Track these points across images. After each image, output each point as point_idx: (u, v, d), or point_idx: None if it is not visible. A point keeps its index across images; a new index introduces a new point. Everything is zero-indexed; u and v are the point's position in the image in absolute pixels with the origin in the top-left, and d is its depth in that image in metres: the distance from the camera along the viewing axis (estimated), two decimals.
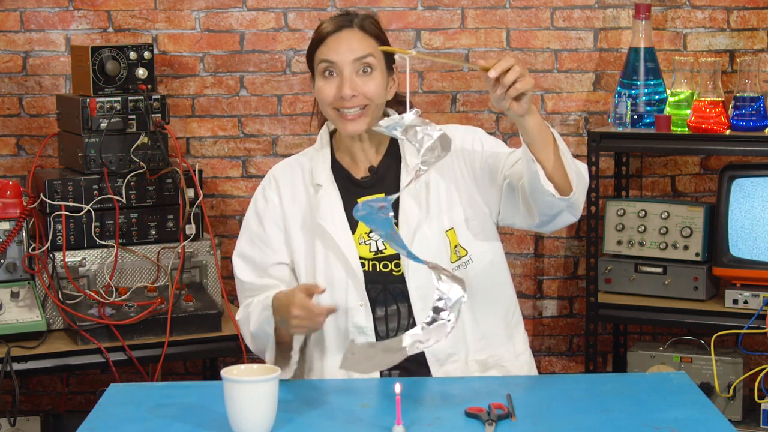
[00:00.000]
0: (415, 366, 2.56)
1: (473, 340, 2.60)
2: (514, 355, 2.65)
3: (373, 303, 2.57)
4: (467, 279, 2.58)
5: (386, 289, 2.57)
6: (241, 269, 2.68)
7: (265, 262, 2.66)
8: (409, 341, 2.22)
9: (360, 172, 2.65)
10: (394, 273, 2.57)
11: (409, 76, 2.26)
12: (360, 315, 2.56)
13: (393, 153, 2.64)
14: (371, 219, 2.16)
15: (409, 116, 2.21)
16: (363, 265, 2.57)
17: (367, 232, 2.59)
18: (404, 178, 2.60)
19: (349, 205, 2.61)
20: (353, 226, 2.60)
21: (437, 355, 2.56)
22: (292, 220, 2.65)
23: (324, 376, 2.60)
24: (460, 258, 2.58)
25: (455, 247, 2.58)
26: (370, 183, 2.62)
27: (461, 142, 2.62)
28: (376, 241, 2.59)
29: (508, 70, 2.25)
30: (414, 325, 2.53)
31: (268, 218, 2.67)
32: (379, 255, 2.58)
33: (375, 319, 2.57)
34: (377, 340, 2.56)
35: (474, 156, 2.61)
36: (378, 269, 2.57)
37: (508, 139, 4.10)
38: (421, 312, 2.53)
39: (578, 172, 2.43)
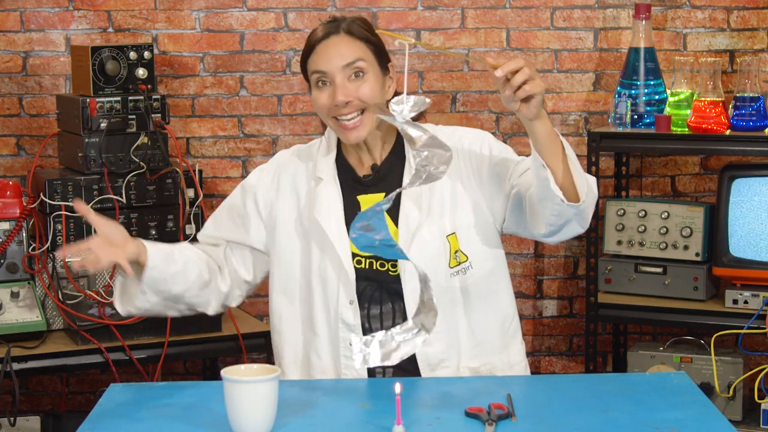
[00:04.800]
0: (407, 372, 2.55)
1: (467, 347, 2.58)
2: (508, 365, 2.63)
3: (368, 301, 2.56)
4: (466, 285, 2.58)
5: (381, 288, 2.57)
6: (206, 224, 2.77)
7: (230, 236, 2.70)
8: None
9: (364, 170, 2.63)
10: (390, 273, 2.56)
11: (410, 75, 2.25)
12: (348, 313, 2.55)
13: (398, 152, 2.62)
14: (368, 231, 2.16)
15: (408, 106, 2.18)
16: (359, 262, 2.56)
17: None
18: (407, 178, 2.58)
19: (348, 202, 2.60)
20: (350, 223, 2.59)
21: (429, 360, 2.55)
22: (283, 213, 2.64)
23: (317, 371, 2.60)
24: (459, 263, 2.57)
25: (455, 252, 2.56)
26: (372, 181, 2.61)
27: (469, 145, 2.60)
28: None
29: (517, 71, 2.24)
30: None
31: (251, 198, 2.68)
32: None
33: (370, 317, 2.56)
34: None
35: (481, 161, 2.59)
36: (374, 267, 2.56)
37: (508, 138, 4.10)
38: None
39: (587, 184, 2.41)
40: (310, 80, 2.58)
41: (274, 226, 2.66)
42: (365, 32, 2.57)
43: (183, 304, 2.64)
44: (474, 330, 2.58)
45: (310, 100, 2.62)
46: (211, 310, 2.69)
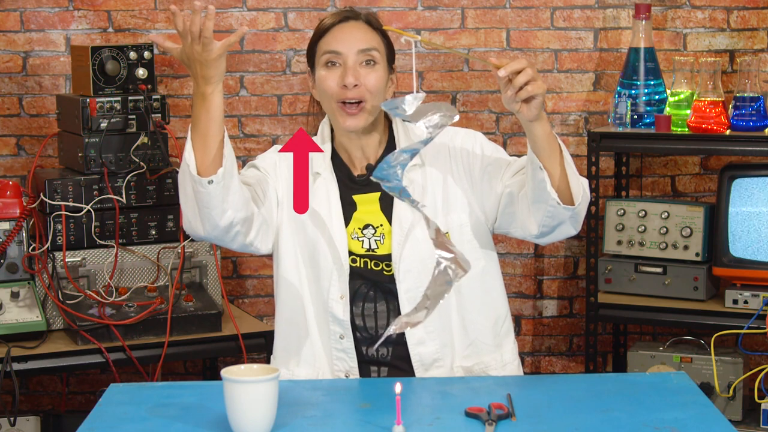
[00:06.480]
0: (400, 371, 2.56)
1: (461, 346, 2.59)
2: (501, 364, 2.64)
3: (363, 299, 2.57)
4: (459, 284, 2.58)
5: (376, 287, 2.57)
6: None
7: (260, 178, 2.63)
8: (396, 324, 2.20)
9: (357, 169, 2.64)
10: (385, 273, 2.57)
11: (413, 68, 2.25)
12: (338, 307, 2.56)
13: (391, 151, 2.63)
14: (386, 175, 2.15)
15: (411, 97, 2.19)
16: (354, 261, 2.57)
17: (360, 227, 2.59)
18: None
19: (344, 201, 2.60)
20: (347, 219, 2.59)
21: (423, 359, 2.56)
22: (286, 193, 2.62)
23: (309, 363, 2.59)
24: None
25: None
26: (366, 181, 2.61)
27: (461, 144, 2.61)
28: (369, 239, 2.58)
29: (519, 72, 2.25)
30: None
31: (267, 165, 2.63)
32: (371, 253, 2.57)
33: (364, 316, 2.56)
34: (360, 335, 2.57)
35: (473, 161, 2.60)
36: (369, 267, 2.57)
37: (508, 138, 4.10)
38: None
39: (582, 187, 2.43)
40: (319, 61, 2.58)
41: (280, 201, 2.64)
42: (381, 27, 2.61)
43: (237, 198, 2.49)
44: (467, 329, 2.59)
45: (311, 87, 2.61)
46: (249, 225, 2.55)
